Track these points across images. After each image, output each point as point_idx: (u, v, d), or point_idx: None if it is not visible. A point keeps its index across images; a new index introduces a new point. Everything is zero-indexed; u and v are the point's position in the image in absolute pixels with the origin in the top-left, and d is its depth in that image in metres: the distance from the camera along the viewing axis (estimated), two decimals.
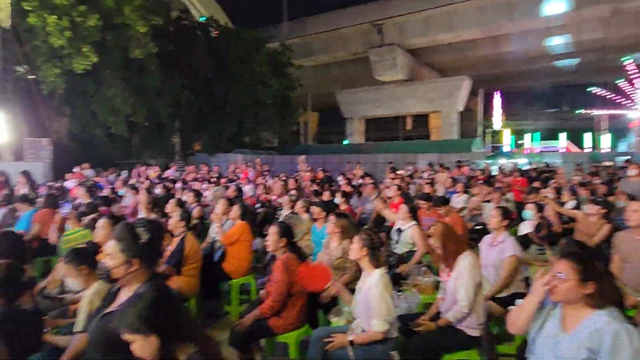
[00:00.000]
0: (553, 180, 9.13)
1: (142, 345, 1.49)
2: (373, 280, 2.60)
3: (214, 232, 5.14)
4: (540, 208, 4.96)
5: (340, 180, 9.48)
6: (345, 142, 34.08)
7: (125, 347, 1.52)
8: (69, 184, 10.23)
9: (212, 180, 10.07)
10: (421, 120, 33.04)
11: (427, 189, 7.43)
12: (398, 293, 3.36)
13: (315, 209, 4.18)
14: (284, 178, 10.04)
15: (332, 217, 3.49)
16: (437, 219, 4.17)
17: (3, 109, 12.66)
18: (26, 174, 8.65)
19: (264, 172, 12.17)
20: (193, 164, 15.91)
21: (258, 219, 6.87)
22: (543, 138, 34.67)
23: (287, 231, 3.11)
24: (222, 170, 14.22)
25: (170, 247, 4.03)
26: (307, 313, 3.26)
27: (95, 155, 17.29)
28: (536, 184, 7.91)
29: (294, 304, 3.01)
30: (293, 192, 6.84)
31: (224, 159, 20.82)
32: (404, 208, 4.70)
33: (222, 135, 21.47)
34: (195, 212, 5.86)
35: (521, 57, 27.33)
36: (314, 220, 4.38)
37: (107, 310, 1.85)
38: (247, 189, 8.65)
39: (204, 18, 24.73)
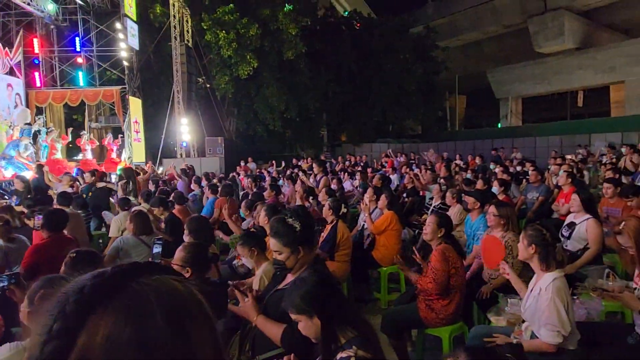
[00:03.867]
0: None
1: (306, 325, 1.61)
2: (544, 283, 2.28)
3: (363, 220, 5.27)
4: None
5: (495, 167, 8.66)
6: (499, 125, 30.96)
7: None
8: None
9: (358, 170, 10.34)
10: (597, 94, 27.71)
11: (610, 176, 6.21)
12: (573, 297, 2.90)
13: (469, 199, 3.89)
14: (430, 166, 9.72)
15: (492, 208, 3.19)
16: (627, 213, 3.44)
17: (188, 114, 15.35)
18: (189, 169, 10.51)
19: (411, 160, 11.97)
20: (340, 155, 16.68)
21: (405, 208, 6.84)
22: None
23: (446, 221, 2.97)
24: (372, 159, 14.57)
25: (323, 234, 4.29)
26: (463, 309, 3.09)
27: (256, 150, 19.69)
28: None
29: (450, 298, 2.88)
30: (442, 181, 6.53)
31: (369, 148, 21.25)
32: (576, 198, 4.02)
33: (366, 125, 21.88)
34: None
35: None
36: (468, 211, 4.09)
37: (279, 286, 2.12)
38: (394, 178, 8.64)
39: (347, 12, 25.47)
